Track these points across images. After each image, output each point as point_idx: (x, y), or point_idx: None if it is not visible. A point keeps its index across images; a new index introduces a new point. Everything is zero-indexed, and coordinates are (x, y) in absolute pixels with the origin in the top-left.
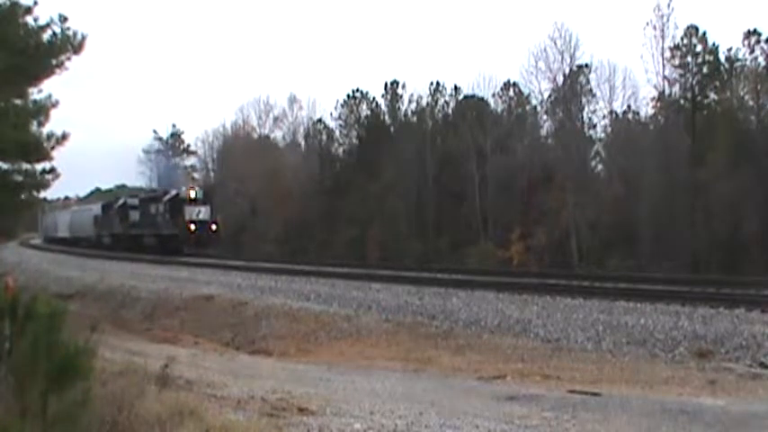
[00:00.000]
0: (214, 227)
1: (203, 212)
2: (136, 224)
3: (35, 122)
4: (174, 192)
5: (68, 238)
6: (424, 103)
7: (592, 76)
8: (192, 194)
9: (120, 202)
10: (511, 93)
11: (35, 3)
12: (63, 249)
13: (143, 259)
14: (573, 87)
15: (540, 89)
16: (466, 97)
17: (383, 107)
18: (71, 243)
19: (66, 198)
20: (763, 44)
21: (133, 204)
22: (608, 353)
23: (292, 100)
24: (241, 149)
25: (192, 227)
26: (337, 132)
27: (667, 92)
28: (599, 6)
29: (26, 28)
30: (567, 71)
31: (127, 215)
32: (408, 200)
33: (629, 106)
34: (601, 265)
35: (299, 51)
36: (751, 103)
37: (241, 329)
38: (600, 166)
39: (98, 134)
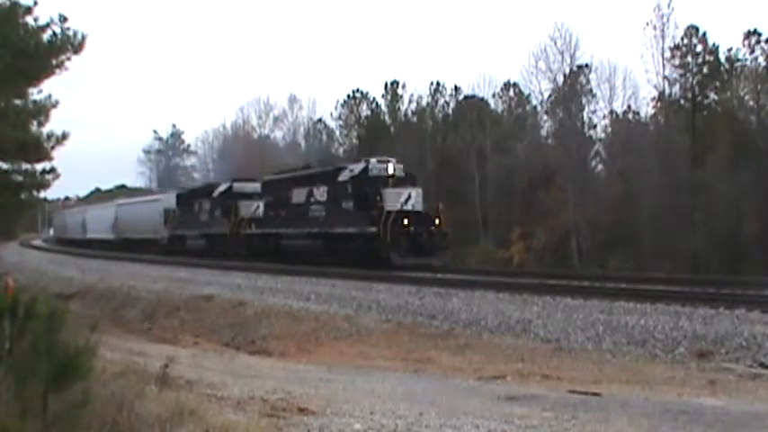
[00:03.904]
0: (437, 222)
1: (414, 198)
2: (259, 220)
3: (35, 122)
4: (352, 167)
5: (112, 241)
6: (424, 103)
7: (592, 76)
8: (391, 169)
9: (223, 188)
10: (511, 93)
11: (35, 3)
12: (62, 250)
13: (143, 260)
14: (573, 87)
15: (540, 89)
16: (466, 97)
17: (383, 107)
18: (116, 247)
19: (67, 198)
20: (763, 44)
21: (246, 191)
22: (608, 353)
23: (292, 100)
24: (241, 149)
25: (405, 222)
26: (337, 132)
27: (667, 92)
28: (599, 6)
29: (26, 28)
30: (567, 71)
31: (236, 207)
32: None
33: (629, 106)
34: (601, 265)
35: (299, 51)
36: (751, 103)
37: (241, 329)
38: (600, 166)
39: (98, 134)
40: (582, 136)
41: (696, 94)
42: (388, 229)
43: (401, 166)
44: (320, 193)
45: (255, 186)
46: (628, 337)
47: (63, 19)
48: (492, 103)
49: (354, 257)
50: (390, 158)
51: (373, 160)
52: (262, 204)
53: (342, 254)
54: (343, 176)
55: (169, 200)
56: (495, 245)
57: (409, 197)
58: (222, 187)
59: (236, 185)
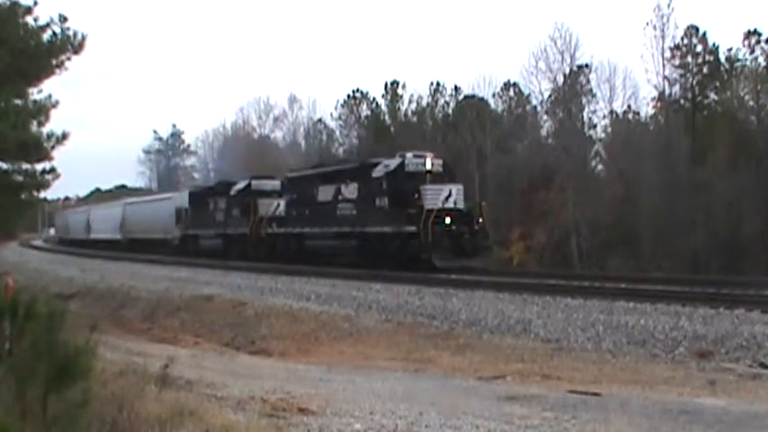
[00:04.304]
0: (479, 221)
1: (456, 195)
2: (281, 219)
3: (35, 122)
4: (387, 162)
5: (119, 241)
6: (424, 103)
7: (592, 76)
8: (429, 164)
9: (241, 185)
10: (511, 93)
11: (35, 3)
12: (62, 250)
13: (143, 260)
14: (573, 87)
15: (540, 89)
16: (466, 97)
17: (383, 107)
18: (125, 247)
19: (67, 198)
20: (763, 44)
21: (266, 189)
22: (608, 353)
23: (292, 100)
24: (241, 149)
25: (448, 221)
26: (337, 132)
27: (667, 92)
28: (599, 6)
29: (26, 28)
30: (567, 71)
31: (255, 205)
32: None
33: (629, 106)
34: (601, 265)
35: (299, 51)
36: (751, 103)
37: (241, 330)
38: (600, 166)
39: (98, 134)
40: (582, 136)
41: (696, 94)
42: (429, 228)
43: (440, 161)
44: (350, 190)
45: (275, 184)
46: (628, 337)
47: (63, 19)
48: (492, 103)
49: (390, 258)
50: (427, 152)
51: (409, 155)
52: (282, 203)
53: (376, 255)
54: (378, 172)
55: (181, 198)
56: (495, 245)
57: (450, 194)
58: (240, 185)
59: (255, 183)
